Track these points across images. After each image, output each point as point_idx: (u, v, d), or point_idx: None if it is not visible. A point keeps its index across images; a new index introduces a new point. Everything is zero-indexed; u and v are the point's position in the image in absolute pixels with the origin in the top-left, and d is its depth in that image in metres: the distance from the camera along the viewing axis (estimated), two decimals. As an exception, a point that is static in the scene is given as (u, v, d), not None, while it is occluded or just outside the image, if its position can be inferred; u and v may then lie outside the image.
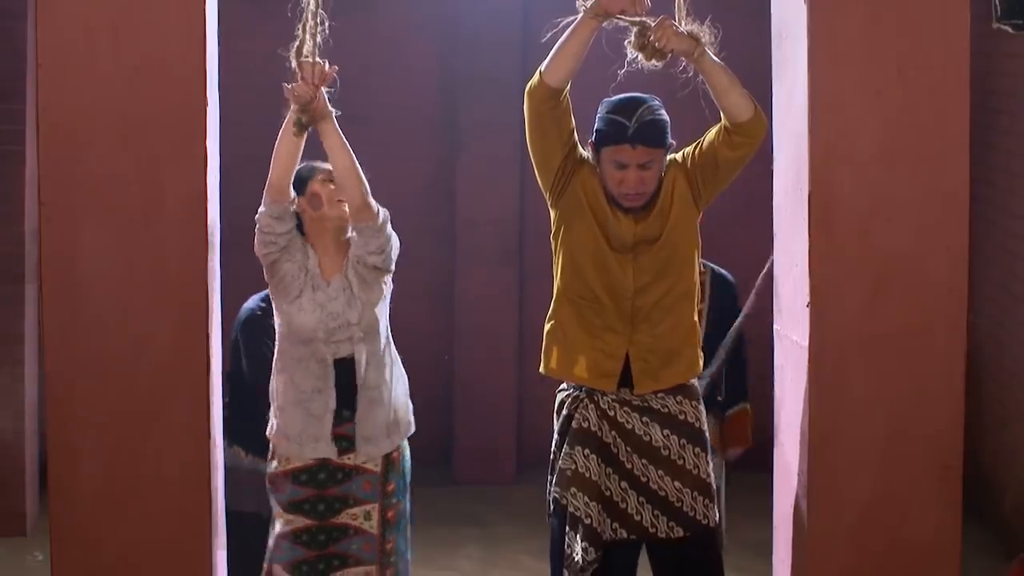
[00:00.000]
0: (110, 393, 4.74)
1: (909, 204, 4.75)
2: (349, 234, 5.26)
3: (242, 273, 6.03)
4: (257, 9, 8.46)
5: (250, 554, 5.82)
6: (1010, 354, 8.10)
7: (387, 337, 5.28)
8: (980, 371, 8.36)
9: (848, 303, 4.75)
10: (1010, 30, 5.33)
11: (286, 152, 5.05)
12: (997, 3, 5.28)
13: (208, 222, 4.76)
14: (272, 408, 5.28)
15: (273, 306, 5.31)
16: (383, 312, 5.25)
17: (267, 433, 5.32)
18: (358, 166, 5.10)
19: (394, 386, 5.28)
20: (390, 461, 5.27)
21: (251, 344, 5.80)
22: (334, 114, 5.04)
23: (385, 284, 5.26)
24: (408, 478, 5.36)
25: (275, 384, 5.27)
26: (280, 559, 5.23)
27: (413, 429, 5.38)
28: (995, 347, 8.32)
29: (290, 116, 5.02)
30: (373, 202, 5.15)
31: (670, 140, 4.93)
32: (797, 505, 4.91)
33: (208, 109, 4.75)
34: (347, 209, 5.20)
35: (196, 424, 4.76)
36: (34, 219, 7.55)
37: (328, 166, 5.20)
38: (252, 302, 5.87)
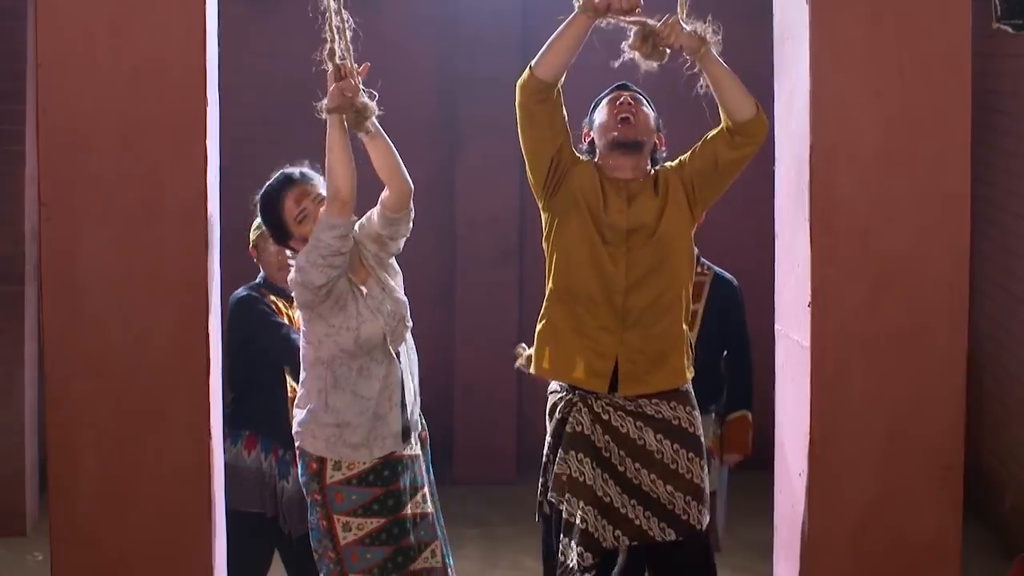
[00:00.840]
0: (110, 393, 4.74)
1: (910, 204, 4.75)
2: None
3: (242, 273, 6.03)
4: (257, 8, 8.46)
5: (250, 554, 5.82)
6: (1010, 354, 8.10)
7: None
8: (980, 371, 8.35)
9: (849, 303, 4.75)
10: (1010, 30, 5.35)
11: (345, 161, 4.87)
12: (997, 3, 5.30)
13: (208, 222, 4.76)
14: (317, 425, 5.13)
15: (313, 330, 5.10)
16: None
17: (307, 447, 5.15)
18: (398, 156, 5.06)
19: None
20: (421, 440, 5.30)
21: (258, 320, 5.73)
22: (376, 100, 4.97)
23: (398, 269, 5.27)
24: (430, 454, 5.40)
25: (326, 401, 5.11)
26: (359, 567, 5.13)
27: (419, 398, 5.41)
28: (995, 347, 8.31)
29: (335, 124, 4.87)
30: None
31: (660, 128, 5.07)
32: (797, 505, 4.91)
33: (208, 109, 4.75)
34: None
35: (196, 424, 4.76)
36: (34, 219, 7.56)
37: (310, 181, 5.17)
38: (241, 291, 5.85)
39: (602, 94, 5.09)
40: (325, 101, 4.87)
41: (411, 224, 5.20)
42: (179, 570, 4.79)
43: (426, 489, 5.25)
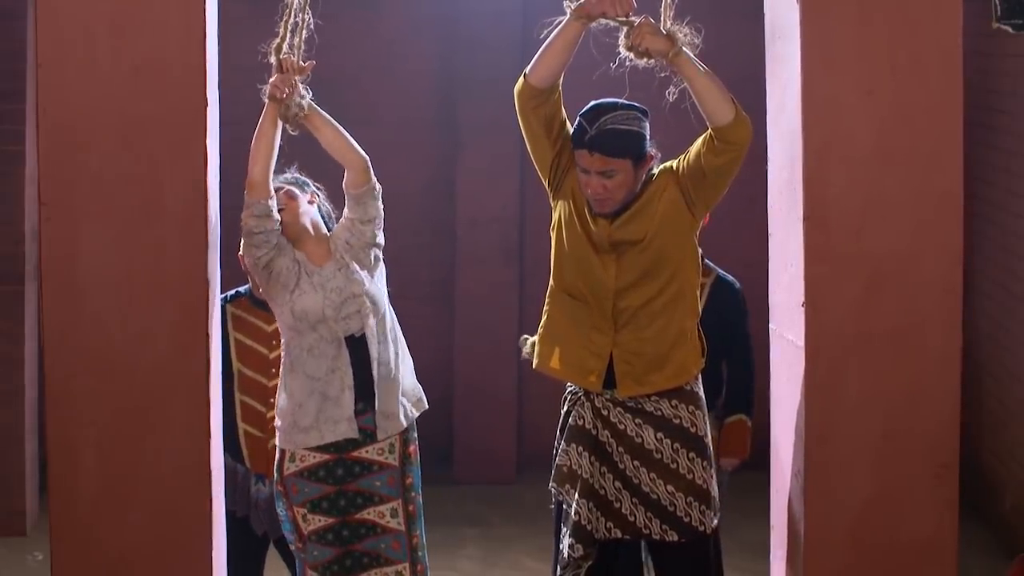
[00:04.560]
0: (110, 392, 4.75)
1: (903, 203, 4.76)
2: (323, 229, 5.31)
3: (242, 273, 6.04)
4: (256, 9, 8.46)
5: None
6: (1010, 354, 8.10)
7: (392, 317, 5.30)
8: (980, 370, 8.36)
9: (843, 302, 4.76)
10: (1010, 30, 5.35)
11: (265, 148, 5.04)
12: (997, 3, 5.31)
13: (208, 222, 4.77)
14: (280, 414, 5.25)
15: (273, 311, 5.30)
16: (383, 288, 5.28)
17: (276, 439, 5.28)
18: (347, 135, 5.14)
19: (402, 363, 5.31)
20: (407, 454, 5.28)
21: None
22: (309, 97, 5.05)
23: (378, 259, 5.29)
24: (420, 471, 5.38)
25: (285, 386, 5.23)
26: (310, 560, 5.22)
27: (426, 406, 5.40)
28: (995, 347, 8.32)
29: (269, 112, 5.02)
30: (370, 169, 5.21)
31: (647, 151, 4.88)
32: (794, 504, 4.92)
33: (208, 109, 4.76)
34: (302, 207, 5.25)
35: (196, 424, 4.77)
36: (34, 219, 7.57)
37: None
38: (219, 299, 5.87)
39: (582, 113, 4.89)
40: (271, 79, 5.01)
41: (379, 203, 5.24)
42: (179, 570, 4.79)
43: (398, 504, 5.24)
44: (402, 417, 5.26)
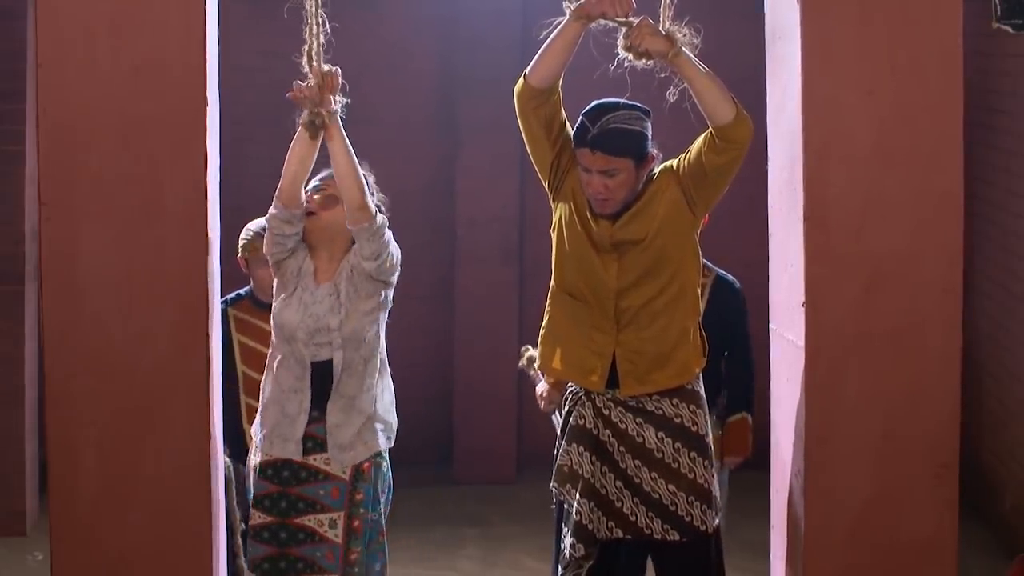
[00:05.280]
0: (110, 393, 4.75)
1: (903, 203, 4.76)
2: (346, 244, 5.25)
3: (242, 273, 6.05)
4: (256, 9, 8.47)
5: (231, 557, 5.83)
6: (1010, 354, 8.11)
7: (375, 349, 5.24)
8: (980, 370, 8.36)
9: (843, 302, 4.76)
10: (1010, 30, 5.36)
11: (299, 158, 5.04)
12: (997, 3, 5.31)
13: (208, 222, 4.76)
14: (260, 406, 5.31)
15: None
16: (373, 323, 5.22)
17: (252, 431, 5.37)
18: (359, 169, 5.09)
19: (376, 398, 5.26)
20: (360, 470, 5.24)
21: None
22: (339, 115, 5.03)
23: (381, 296, 5.23)
24: (381, 490, 5.32)
25: (267, 379, 5.30)
26: (249, 555, 5.30)
27: (391, 444, 5.34)
28: (995, 347, 8.32)
29: (303, 119, 5.00)
30: (372, 206, 5.13)
31: (649, 151, 4.89)
32: (794, 504, 4.92)
33: (208, 109, 4.75)
34: (332, 219, 5.22)
35: (196, 424, 4.77)
36: (34, 219, 7.57)
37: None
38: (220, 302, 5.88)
39: (584, 112, 4.89)
40: (301, 85, 4.99)
41: (380, 242, 5.13)
42: (179, 570, 4.79)
43: (338, 516, 5.22)
44: (358, 451, 5.23)
